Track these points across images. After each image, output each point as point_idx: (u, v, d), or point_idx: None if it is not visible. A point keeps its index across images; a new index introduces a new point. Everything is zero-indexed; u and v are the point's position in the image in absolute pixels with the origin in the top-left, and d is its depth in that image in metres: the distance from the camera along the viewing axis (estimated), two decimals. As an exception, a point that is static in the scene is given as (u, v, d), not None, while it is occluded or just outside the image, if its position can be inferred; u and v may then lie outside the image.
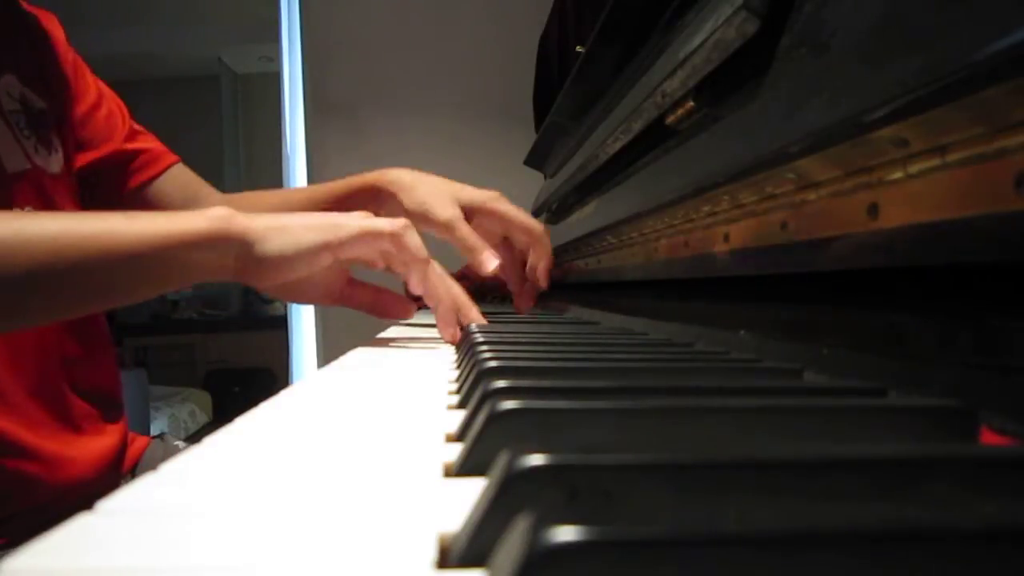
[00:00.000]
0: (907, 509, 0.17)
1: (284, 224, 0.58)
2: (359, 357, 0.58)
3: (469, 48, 2.26)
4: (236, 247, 0.56)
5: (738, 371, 0.38)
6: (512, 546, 0.14)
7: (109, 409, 0.76)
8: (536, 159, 1.55)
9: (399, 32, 2.28)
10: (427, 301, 0.67)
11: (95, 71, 0.86)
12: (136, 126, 0.87)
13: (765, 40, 0.41)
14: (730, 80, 0.49)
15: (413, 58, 2.28)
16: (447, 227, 0.75)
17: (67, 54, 0.81)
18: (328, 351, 2.32)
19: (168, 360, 4.18)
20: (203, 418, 3.76)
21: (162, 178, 0.86)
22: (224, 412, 3.77)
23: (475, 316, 0.69)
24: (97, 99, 0.83)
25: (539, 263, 0.84)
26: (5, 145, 0.68)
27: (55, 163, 0.74)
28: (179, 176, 0.88)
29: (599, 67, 0.95)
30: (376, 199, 0.81)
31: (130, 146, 0.84)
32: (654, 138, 0.67)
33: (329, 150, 2.32)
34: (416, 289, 0.65)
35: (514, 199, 0.83)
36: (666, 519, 0.13)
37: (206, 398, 3.95)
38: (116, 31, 3.64)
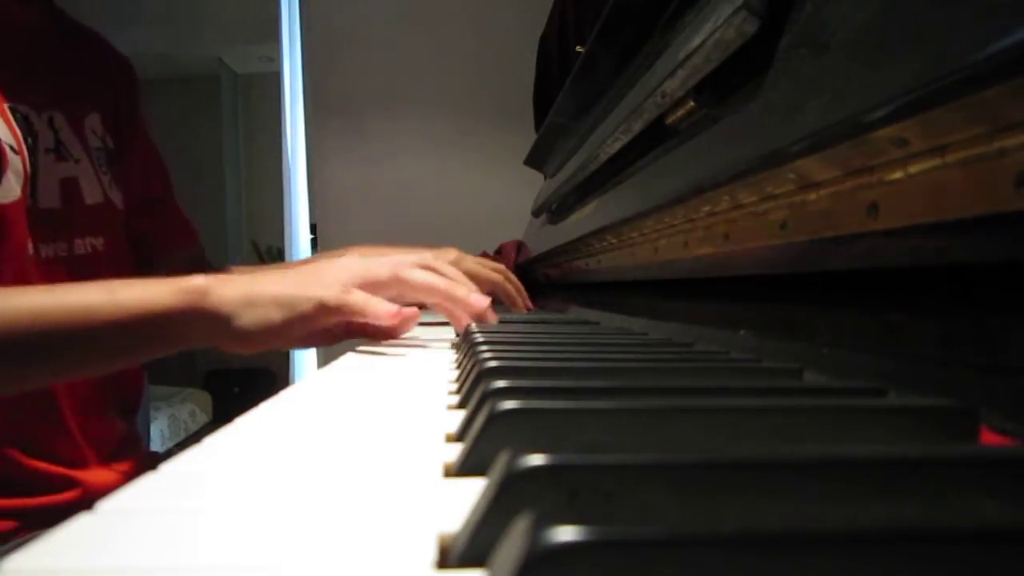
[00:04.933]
0: (906, 509, 0.17)
1: (253, 297, 0.56)
2: (359, 357, 0.58)
3: (469, 48, 2.26)
4: (209, 322, 0.55)
5: (738, 371, 0.38)
6: (512, 546, 0.14)
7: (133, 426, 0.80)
8: (536, 159, 1.55)
9: (399, 32, 2.28)
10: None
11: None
12: (171, 196, 0.89)
13: (765, 40, 0.41)
14: (730, 80, 0.49)
15: (413, 58, 2.28)
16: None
17: (139, 104, 0.85)
18: (328, 351, 2.32)
19: (168, 360, 4.17)
20: (203, 418, 3.76)
21: (157, 262, 0.87)
22: (224, 412, 3.76)
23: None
24: (142, 158, 0.86)
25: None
26: (88, 180, 0.74)
27: (120, 200, 0.79)
28: (178, 261, 0.88)
29: (599, 67, 0.95)
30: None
31: (136, 226, 0.84)
32: (654, 138, 0.67)
33: (329, 150, 2.32)
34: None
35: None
36: (666, 519, 0.13)
37: (206, 398, 3.95)
38: (116, 31, 3.63)
